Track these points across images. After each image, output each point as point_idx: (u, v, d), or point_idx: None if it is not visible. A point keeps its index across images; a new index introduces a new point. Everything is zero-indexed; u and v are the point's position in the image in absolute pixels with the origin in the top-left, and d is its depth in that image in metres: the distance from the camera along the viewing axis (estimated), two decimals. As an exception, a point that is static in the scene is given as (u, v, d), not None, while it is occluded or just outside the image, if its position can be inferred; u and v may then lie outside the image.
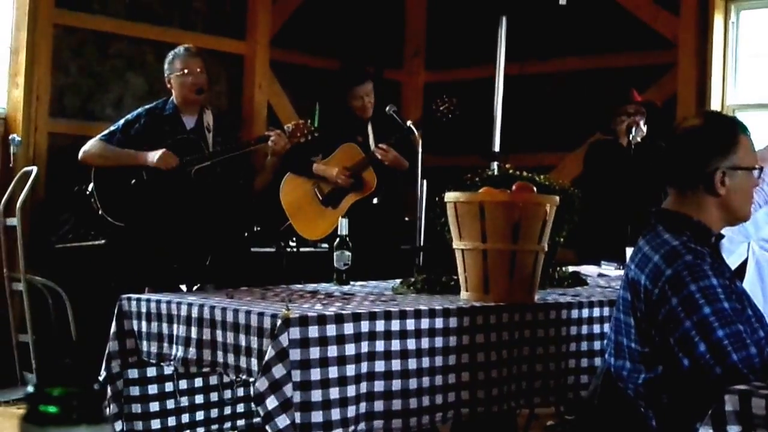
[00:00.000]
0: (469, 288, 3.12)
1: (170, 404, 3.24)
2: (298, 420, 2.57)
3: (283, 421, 2.56)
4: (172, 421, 3.24)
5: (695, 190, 2.38)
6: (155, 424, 3.19)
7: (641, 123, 4.86)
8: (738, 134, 2.41)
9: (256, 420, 3.42)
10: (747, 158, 2.40)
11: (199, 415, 3.33)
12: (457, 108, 4.86)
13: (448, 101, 4.87)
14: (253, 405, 3.40)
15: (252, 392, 2.70)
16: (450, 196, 3.16)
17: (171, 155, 4.47)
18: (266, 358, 2.61)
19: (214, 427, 3.38)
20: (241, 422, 3.45)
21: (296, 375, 2.59)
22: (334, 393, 2.64)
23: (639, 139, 4.76)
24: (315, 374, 2.62)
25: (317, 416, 2.60)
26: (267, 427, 2.59)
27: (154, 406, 3.19)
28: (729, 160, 2.37)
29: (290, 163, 4.96)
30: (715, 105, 5.94)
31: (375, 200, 5.18)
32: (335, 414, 2.63)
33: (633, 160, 4.70)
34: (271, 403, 2.57)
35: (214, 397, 3.37)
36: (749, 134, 2.44)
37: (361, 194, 5.04)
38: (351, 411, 2.67)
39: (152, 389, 3.20)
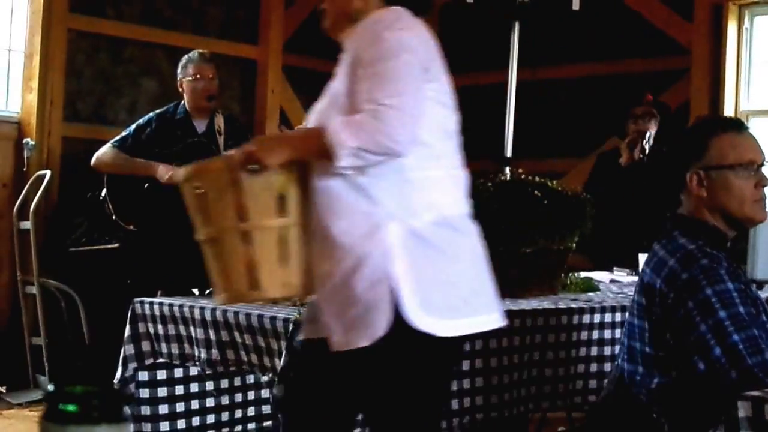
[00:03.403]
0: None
1: (180, 407, 3.24)
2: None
3: None
4: (181, 424, 3.24)
5: (689, 195, 2.37)
6: (164, 426, 3.19)
7: (651, 128, 4.86)
8: (710, 133, 2.33)
9: (267, 423, 3.41)
10: (724, 156, 2.31)
11: (210, 419, 3.33)
12: None
13: None
14: (265, 409, 3.40)
15: (271, 399, 2.69)
16: None
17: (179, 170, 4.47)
18: (281, 364, 2.60)
19: (225, 430, 3.37)
20: (251, 425, 3.45)
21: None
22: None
23: (641, 155, 4.78)
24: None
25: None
26: None
27: (164, 409, 3.20)
28: (701, 160, 2.32)
29: None
30: (728, 111, 5.91)
31: None
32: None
33: (631, 177, 4.70)
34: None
35: (225, 400, 3.37)
36: (738, 132, 2.34)
37: None
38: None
39: (162, 392, 3.20)
